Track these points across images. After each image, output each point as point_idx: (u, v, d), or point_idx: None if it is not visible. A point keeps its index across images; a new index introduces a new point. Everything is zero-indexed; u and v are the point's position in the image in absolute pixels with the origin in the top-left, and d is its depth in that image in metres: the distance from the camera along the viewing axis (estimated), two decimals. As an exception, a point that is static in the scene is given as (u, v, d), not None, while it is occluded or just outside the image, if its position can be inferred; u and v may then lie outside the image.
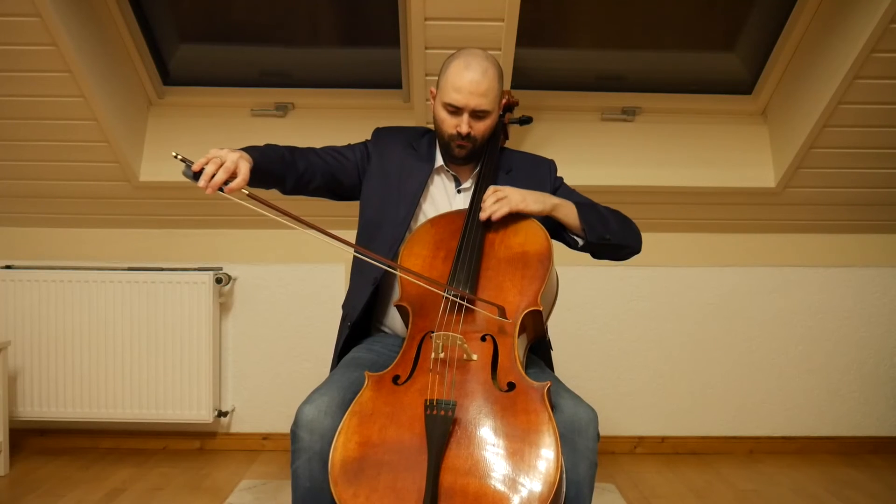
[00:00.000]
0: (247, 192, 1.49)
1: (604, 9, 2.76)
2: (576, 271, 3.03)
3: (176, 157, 1.44)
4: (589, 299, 3.14)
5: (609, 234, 1.79)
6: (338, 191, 1.92)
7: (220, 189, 1.47)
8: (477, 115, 1.78)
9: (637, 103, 2.89)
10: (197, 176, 1.47)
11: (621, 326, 3.16)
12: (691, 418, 3.18)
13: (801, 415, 3.20)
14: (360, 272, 1.88)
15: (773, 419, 3.19)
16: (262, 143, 1.75)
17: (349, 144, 1.95)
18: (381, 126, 2.01)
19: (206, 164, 1.47)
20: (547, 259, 1.68)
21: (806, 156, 2.80)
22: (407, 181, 1.87)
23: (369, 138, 1.98)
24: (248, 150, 1.63)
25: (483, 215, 1.71)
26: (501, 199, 1.71)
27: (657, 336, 3.16)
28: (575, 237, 1.82)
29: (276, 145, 1.79)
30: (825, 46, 2.60)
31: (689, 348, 3.17)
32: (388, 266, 1.61)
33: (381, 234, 1.84)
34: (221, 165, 1.47)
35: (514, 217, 1.73)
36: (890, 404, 3.21)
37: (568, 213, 1.78)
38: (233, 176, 1.48)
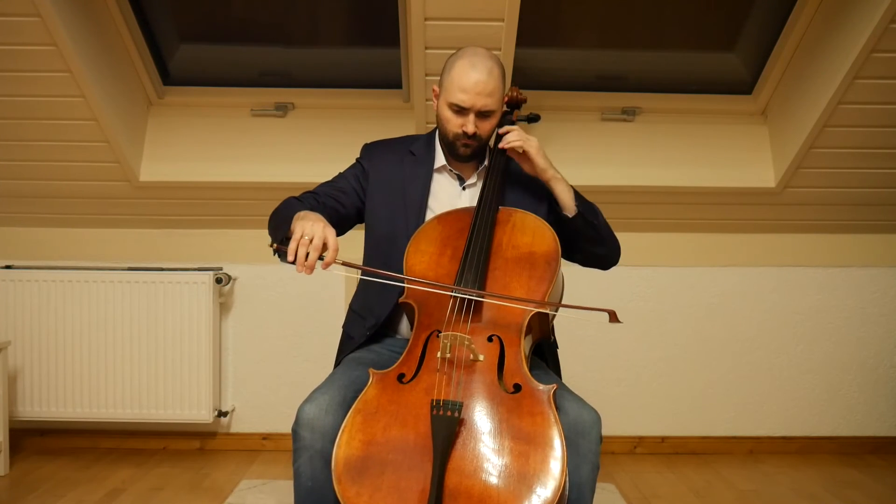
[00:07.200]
0: (341, 262, 1.52)
1: (604, 9, 2.76)
2: (576, 271, 3.03)
3: (272, 246, 1.53)
4: (589, 299, 3.11)
5: (596, 221, 1.85)
6: (346, 227, 1.91)
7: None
8: (483, 114, 1.79)
9: (637, 103, 2.89)
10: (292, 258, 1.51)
11: (621, 326, 3.14)
12: (691, 418, 3.18)
13: (801, 415, 3.20)
14: (382, 291, 1.79)
15: (773, 419, 3.20)
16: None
17: (341, 174, 1.93)
18: (368, 142, 1.99)
19: (297, 248, 1.49)
20: (555, 260, 1.68)
21: (806, 156, 2.80)
22: (410, 188, 1.87)
23: (359, 156, 1.96)
24: (308, 210, 1.63)
25: (502, 144, 1.82)
26: (523, 139, 1.81)
27: (657, 336, 3.16)
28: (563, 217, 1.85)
29: (298, 202, 1.78)
30: (825, 46, 2.60)
31: (688, 348, 3.17)
32: (479, 294, 1.59)
33: (396, 247, 1.78)
34: (311, 244, 1.49)
35: (523, 217, 1.76)
36: (890, 404, 3.21)
37: (565, 188, 1.83)
38: (325, 249, 1.51)
